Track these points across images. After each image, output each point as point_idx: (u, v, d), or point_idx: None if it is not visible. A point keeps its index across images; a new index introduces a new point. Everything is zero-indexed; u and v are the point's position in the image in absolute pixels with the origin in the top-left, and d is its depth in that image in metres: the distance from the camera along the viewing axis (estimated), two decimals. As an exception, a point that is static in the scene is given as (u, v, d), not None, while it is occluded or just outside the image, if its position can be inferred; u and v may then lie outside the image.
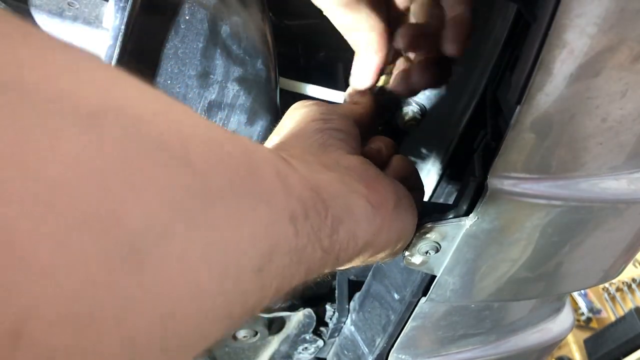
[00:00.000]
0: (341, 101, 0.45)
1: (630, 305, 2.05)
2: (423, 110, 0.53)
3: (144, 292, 0.14)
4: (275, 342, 0.64)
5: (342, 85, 0.51)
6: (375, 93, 0.42)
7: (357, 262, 0.31)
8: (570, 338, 1.91)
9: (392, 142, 0.39)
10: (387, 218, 0.30)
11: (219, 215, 0.17)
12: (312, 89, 0.49)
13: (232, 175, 0.19)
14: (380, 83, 0.42)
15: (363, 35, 0.39)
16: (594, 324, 2.03)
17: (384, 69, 0.41)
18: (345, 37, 0.40)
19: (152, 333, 0.15)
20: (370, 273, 0.57)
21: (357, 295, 0.61)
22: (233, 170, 0.19)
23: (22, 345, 0.11)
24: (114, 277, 0.13)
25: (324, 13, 0.39)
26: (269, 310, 0.58)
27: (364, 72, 0.40)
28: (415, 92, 0.44)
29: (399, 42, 0.39)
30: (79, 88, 0.14)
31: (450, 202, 0.57)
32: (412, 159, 0.58)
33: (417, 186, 0.39)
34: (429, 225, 0.37)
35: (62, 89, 0.13)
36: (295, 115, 0.34)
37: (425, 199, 0.59)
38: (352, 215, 0.27)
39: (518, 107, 0.31)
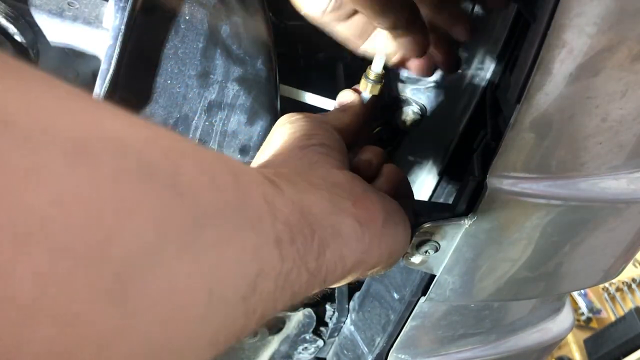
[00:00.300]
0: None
1: (630, 305, 2.05)
2: (423, 110, 0.53)
3: (128, 323, 0.14)
4: (275, 342, 0.64)
5: (342, 85, 0.51)
6: (366, 101, 0.42)
7: (348, 280, 0.30)
8: (570, 338, 1.91)
9: (382, 151, 0.39)
10: (376, 235, 0.30)
11: (206, 242, 0.17)
12: (310, 98, 0.49)
13: (221, 201, 0.19)
14: (369, 92, 0.41)
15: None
16: (594, 324, 2.03)
17: (376, 75, 0.41)
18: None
19: None
20: (370, 273, 0.57)
21: (357, 295, 0.61)
22: (221, 195, 0.19)
23: None
24: (98, 310, 0.13)
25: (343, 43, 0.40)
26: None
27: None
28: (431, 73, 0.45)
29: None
30: (63, 119, 0.14)
31: (450, 202, 0.57)
32: (412, 159, 0.58)
33: (407, 195, 0.39)
34: (428, 225, 0.37)
35: (45, 119, 0.13)
36: (280, 132, 0.34)
37: (425, 198, 0.59)
38: (339, 236, 0.27)
39: (518, 107, 0.31)
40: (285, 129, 0.34)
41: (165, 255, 0.15)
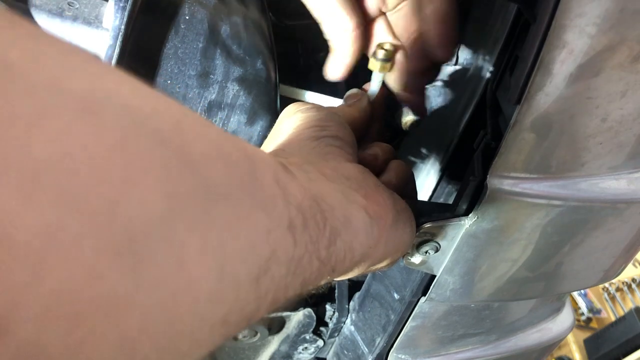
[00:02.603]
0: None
1: (630, 305, 2.06)
2: (423, 110, 0.53)
3: (140, 291, 0.13)
4: (275, 342, 0.64)
5: (342, 85, 0.51)
6: (373, 97, 0.42)
7: (354, 273, 0.30)
8: (570, 338, 1.91)
9: (390, 147, 0.39)
10: (385, 231, 0.29)
11: (218, 218, 0.17)
12: (311, 96, 0.49)
13: (233, 178, 0.18)
14: (378, 69, 0.41)
15: (335, 33, 0.40)
16: (594, 324, 2.04)
17: (386, 53, 0.40)
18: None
19: (146, 336, 0.14)
20: (370, 273, 0.57)
21: (357, 295, 0.61)
22: (233, 173, 0.18)
23: (5, 342, 0.10)
24: (109, 271, 0.12)
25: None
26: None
27: (336, 66, 0.41)
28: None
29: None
30: (70, 75, 0.13)
31: (450, 202, 0.57)
32: (412, 159, 0.58)
33: (411, 194, 0.39)
34: (428, 225, 0.37)
35: (52, 73, 0.13)
36: (290, 121, 0.34)
37: (425, 199, 0.59)
38: (350, 227, 0.26)
39: (518, 107, 0.31)
40: (296, 119, 0.33)
41: (175, 227, 0.14)
